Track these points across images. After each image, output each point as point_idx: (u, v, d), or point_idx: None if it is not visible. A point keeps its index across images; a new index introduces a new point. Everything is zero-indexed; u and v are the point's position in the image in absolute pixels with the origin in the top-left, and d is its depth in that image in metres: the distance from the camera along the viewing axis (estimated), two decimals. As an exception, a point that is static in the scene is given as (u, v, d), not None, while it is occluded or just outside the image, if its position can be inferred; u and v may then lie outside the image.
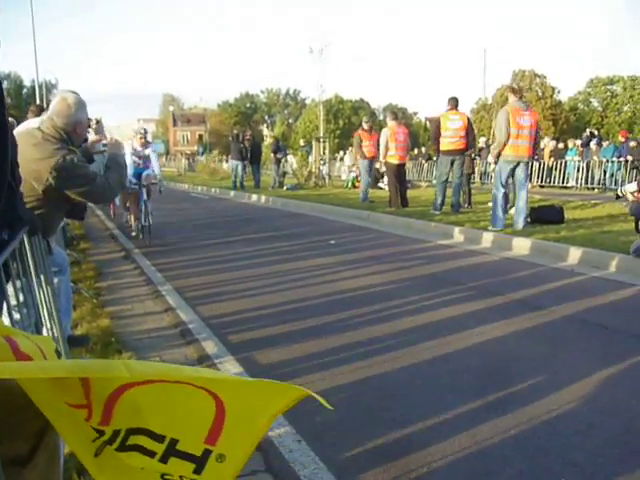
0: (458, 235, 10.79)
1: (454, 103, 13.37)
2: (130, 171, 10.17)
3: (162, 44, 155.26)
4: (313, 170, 26.84)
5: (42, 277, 3.39)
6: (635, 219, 9.13)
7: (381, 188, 20.86)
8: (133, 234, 11.71)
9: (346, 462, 3.20)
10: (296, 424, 3.47)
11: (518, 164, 10.76)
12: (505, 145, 10.69)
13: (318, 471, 2.99)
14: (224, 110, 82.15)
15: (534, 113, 11.13)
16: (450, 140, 13.21)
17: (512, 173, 10.90)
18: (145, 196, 11.06)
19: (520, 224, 10.67)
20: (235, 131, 28.32)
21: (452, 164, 13.31)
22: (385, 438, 3.43)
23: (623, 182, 19.86)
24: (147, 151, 11.45)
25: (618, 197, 10.70)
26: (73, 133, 4.16)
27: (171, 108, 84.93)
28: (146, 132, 11.97)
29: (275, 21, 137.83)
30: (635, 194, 9.12)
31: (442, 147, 13.37)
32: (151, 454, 1.60)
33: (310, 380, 4.29)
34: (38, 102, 28.02)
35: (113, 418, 1.57)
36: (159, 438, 1.59)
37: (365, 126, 17.39)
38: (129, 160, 9.66)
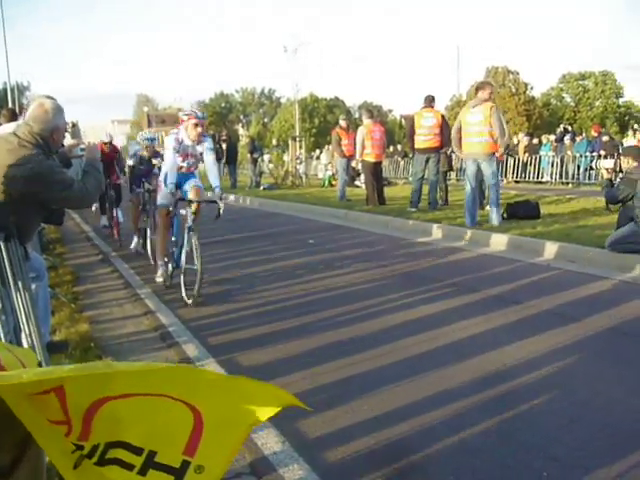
0: (436, 232, 10.83)
1: (429, 101, 13.43)
2: (171, 178, 6.98)
3: (135, 44, 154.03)
4: (290, 169, 26.82)
5: (20, 283, 3.37)
6: (605, 199, 9.27)
7: (358, 186, 20.88)
8: (159, 280, 7.43)
9: (331, 463, 3.21)
10: (279, 425, 3.47)
11: (481, 161, 10.77)
12: (460, 142, 11.02)
13: (303, 472, 3.00)
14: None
15: (488, 109, 10.74)
16: (424, 138, 13.26)
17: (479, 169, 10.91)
18: (190, 221, 6.85)
19: (494, 220, 10.73)
20: (211, 132, 28.20)
21: (427, 162, 13.36)
22: (369, 438, 3.45)
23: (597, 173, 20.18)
24: (200, 147, 7.31)
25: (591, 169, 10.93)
26: (50, 139, 4.12)
27: (145, 109, 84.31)
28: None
29: (248, 20, 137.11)
30: (609, 170, 9.28)
31: (417, 145, 13.43)
32: (129, 467, 1.61)
33: (292, 380, 4.30)
34: (10, 105, 27.62)
35: (92, 433, 1.57)
36: (137, 451, 1.60)
37: (343, 124, 17.39)
38: (171, 159, 7.06)
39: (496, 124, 10.50)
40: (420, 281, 7.27)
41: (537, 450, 3.27)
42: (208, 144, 7.25)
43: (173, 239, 7.41)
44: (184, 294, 6.63)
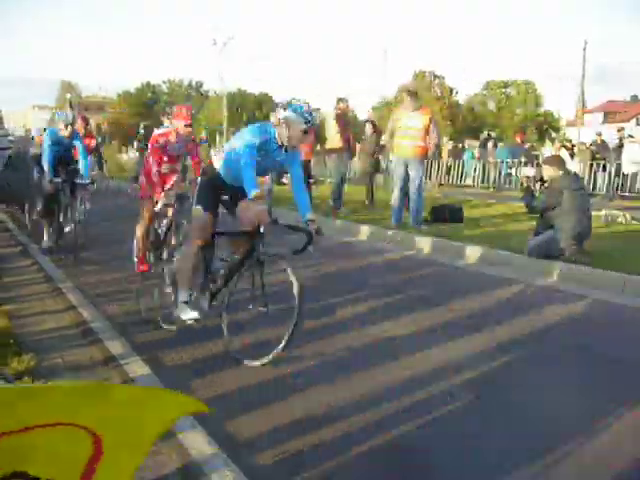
0: (362, 232, 10.95)
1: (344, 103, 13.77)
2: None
3: (60, 29, 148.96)
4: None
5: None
6: (526, 206, 9.53)
7: (284, 184, 20.85)
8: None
9: (262, 466, 3.23)
10: (208, 427, 3.45)
11: (409, 163, 10.97)
12: (392, 144, 11.22)
13: (233, 475, 2.98)
14: (124, 100, 79.98)
15: (426, 115, 11.11)
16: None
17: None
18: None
19: (414, 223, 10.91)
20: (145, 123, 27.53)
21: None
22: (298, 440, 3.47)
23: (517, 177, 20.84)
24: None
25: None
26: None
27: (68, 95, 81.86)
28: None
29: (178, 11, 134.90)
30: (529, 178, 9.57)
31: (330, 145, 13.78)
32: None
33: (218, 379, 4.33)
34: None
35: None
36: None
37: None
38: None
39: (433, 135, 10.95)
40: (345, 282, 7.35)
41: (456, 453, 3.37)
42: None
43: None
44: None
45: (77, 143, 8.78)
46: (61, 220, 9.15)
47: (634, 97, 60.53)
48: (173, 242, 6.39)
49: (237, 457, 3.18)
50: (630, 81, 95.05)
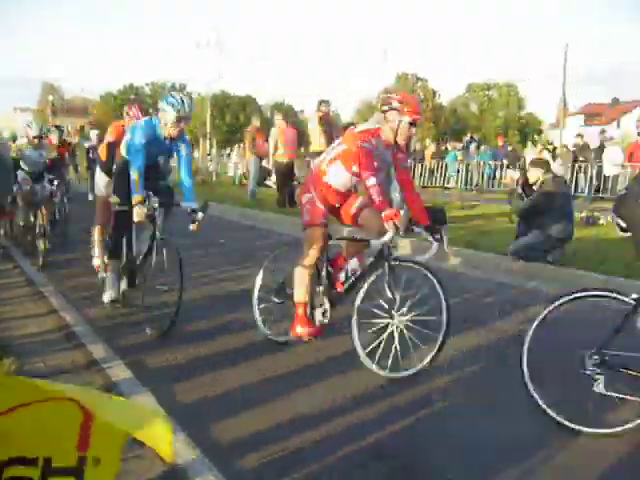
0: (339, 233, 10.91)
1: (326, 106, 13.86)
2: None
3: (43, 30, 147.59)
4: (199, 166, 26.54)
5: None
6: (514, 209, 9.33)
7: (268, 186, 20.86)
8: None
9: (244, 469, 3.23)
10: (190, 431, 3.44)
11: None
12: None
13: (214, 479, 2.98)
14: (107, 102, 79.57)
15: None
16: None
17: None
18: None
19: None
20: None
21: None
22: (279, 444, 3.48)
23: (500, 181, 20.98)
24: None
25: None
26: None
27: (50, 97, 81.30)
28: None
29: (162, 13, 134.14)
30: (517, 180, 9.55)
31: (313, 148, 13.86)
32: None
33: (199, 383, 4.34)
34: None
35: None
36: (32, 462, 1.59)
37: (257, 124, 17.42)
38: None
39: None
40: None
41: (439, 452, 3.39)
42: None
43: None
44: None
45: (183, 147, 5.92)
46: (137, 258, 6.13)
47: (615, 100, 61.06)
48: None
49: (221, 462, 3.19)
50: (631, 81, 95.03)
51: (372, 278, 4.81)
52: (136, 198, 5.34)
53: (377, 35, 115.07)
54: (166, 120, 5.50)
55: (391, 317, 4.65)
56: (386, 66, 69.91)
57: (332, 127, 13.97)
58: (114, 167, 6.39)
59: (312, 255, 4.92)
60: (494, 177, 22.55)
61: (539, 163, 8.62)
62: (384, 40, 68.71)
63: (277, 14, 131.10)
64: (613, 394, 3.56)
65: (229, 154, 36.71)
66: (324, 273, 5.08)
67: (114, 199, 5.82)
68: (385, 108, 4.77)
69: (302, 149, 33.92)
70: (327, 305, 5.06)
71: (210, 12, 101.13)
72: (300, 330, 4.94)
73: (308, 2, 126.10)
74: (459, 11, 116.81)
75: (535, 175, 8.28)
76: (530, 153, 23.26)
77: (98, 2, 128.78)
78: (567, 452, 3.48)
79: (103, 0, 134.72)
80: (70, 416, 1.56)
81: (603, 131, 20.96)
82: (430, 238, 5.09)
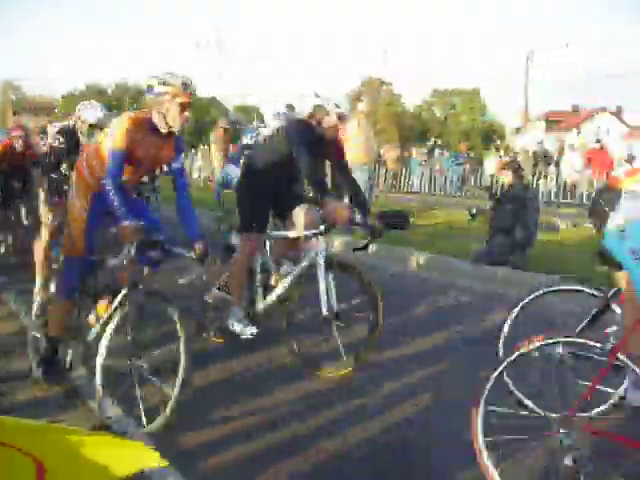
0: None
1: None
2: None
3: (43, 30, 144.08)
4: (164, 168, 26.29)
5: None
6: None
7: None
8: None
9: (205, 473, 3.24)
10: (153, 435, 3.44)
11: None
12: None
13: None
14: (69, 102, 78.39)
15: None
16: None
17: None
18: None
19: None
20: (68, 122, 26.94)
21: None
22: (241, 447, 3.49)
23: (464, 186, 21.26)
24: None
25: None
26: None
27: (13, 97, 79.61)
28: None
29: (162, 13, 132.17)
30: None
31: None
32: None
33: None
34: None
35: None
36: None
37: (225, 126, 17.38)
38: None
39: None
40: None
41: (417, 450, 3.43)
42: None
43: None
44: None
45: None
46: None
47: (575, 107, 61.96)
48: None
49: (182, 465, 3.19)
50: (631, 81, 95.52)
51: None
52: None
53: (377, 35, 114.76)
54: None
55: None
56: (386, 66, 70.05)
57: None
58: None
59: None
60: (459, 181, 22.91)
61: (513, 167, 8.69)
62: (384, 40, 68.47)
63: (277, 14, 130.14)
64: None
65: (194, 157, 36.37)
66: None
67: None
68: None
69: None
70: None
71: (210, 12, 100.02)
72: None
73: (308, 2, 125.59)
74: (459, 11, 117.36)
75: (508, 179, 8.40)
76: (491, 159, 23.52)
77: (98, 2, 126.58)
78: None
79: (103, 0, 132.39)
80: (24, 472, 1.47)
81: (563, 138, 21.34)
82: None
